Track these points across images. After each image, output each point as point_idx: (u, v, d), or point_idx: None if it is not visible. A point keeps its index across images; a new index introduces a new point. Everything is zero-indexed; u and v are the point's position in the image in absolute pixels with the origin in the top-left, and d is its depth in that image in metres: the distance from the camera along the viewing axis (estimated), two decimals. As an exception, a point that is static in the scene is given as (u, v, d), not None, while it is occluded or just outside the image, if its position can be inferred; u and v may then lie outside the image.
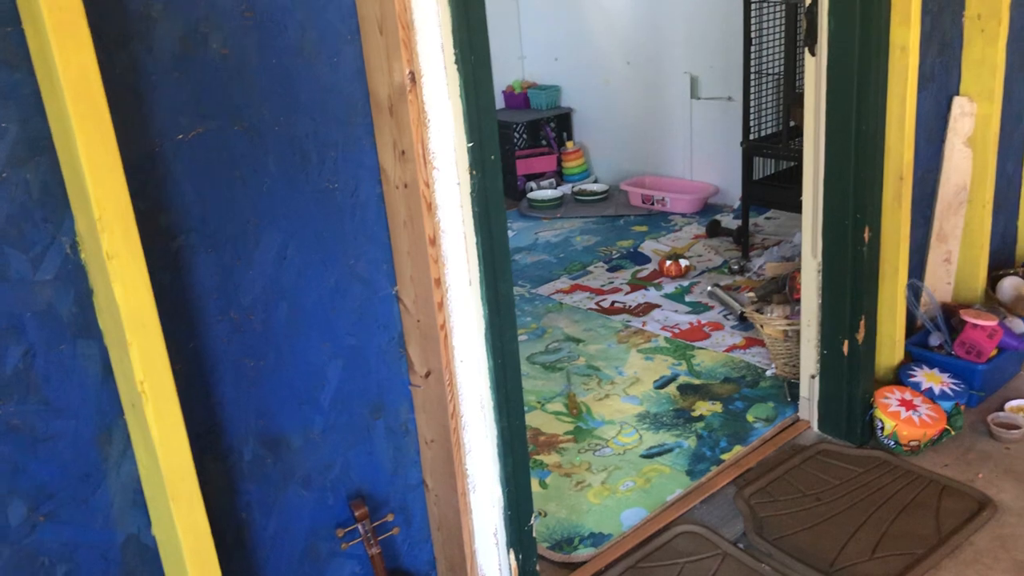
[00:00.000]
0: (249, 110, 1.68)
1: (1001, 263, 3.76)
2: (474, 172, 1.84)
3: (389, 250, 1.95)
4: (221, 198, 1.67)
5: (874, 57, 2.64)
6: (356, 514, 1.96)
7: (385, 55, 1.77)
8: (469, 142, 1.81)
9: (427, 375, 1.97)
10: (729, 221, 5.16)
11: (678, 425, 3.25)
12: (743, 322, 3.92)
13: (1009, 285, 3.50)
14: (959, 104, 3.35)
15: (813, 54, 2.77)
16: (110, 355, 1.55)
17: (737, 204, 5.34)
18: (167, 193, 1.60)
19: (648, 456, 3.09)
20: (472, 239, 1.88)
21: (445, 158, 1.81)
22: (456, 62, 1.77)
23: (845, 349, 2.98)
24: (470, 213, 1.86)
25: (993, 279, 3.60)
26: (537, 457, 3.12)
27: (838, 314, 2.96)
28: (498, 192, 1.89)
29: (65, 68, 1.28)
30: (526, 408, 3.44)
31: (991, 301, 3.54)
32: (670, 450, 3.11)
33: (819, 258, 2.96)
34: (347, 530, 1.97)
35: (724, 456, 3.04)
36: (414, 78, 1.76)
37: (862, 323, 2.93)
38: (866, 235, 2.83)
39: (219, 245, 1.69)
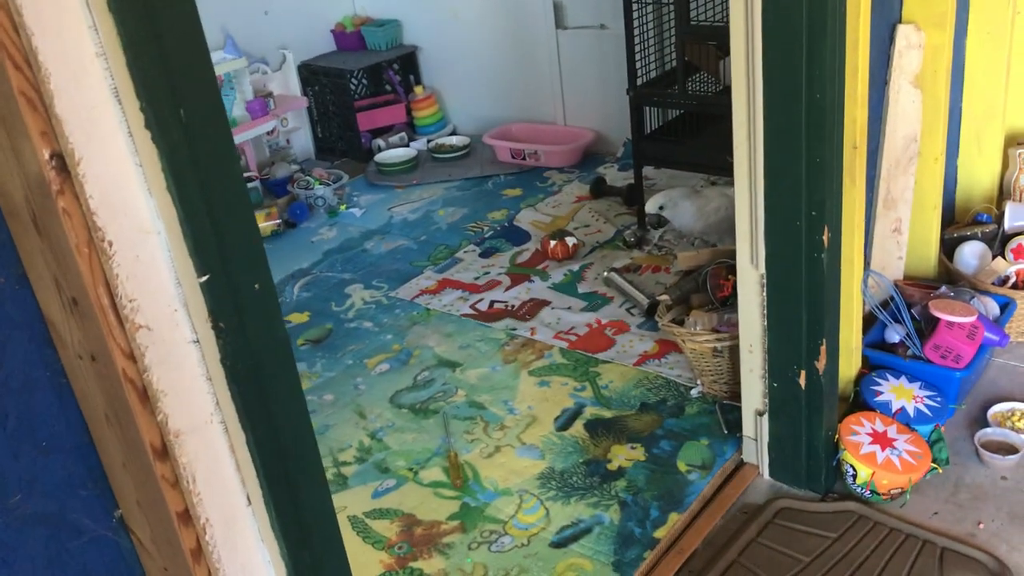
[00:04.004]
0: None
1: (944, 219, 3.12)
2: (221, 323, 0.96)
3: (94, 455, 1.08)
4: None
5: (830, -5, 1.86)
6: None
7: (0, 122, 0.86)
8: (202, 273, 0.94)
9: (196, 654, 1.12)
10: (615, 175, 4.38)
11: (593, 487, 2.50)
12: (651, 317, 3.19)
13: (971, 254, 2.86)
14: (904, 34, 2.62)
15: (741, -5, 1.96)
16: None
17: (620, 151, 4.57)
18: None
19: (560, 543, 2.34)
20: (239, 435, 1.02)
21: (157, 306, 0.93)
22: (149, 123, 0.88)
23: (802, 381, 2.27)
24: (226, 392, 1.00)
25: (946, 244, 2.96)
26: (415, 564, 2.33)
27: (792, 339, 2.24)
28: (277, 342, 1.03)
29: None
30: (395, 479, 2.64)
31: (949, 273, 2.90)
32: (588, 530, 2.37)
33: (762, 269, 2.21)
34: None
35: (658, 533, 2.33)
36: (64, 164, 0.86)
37: (823, 348, 2.23)
38: (825, 238, 2.09)
39: None
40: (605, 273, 3.48)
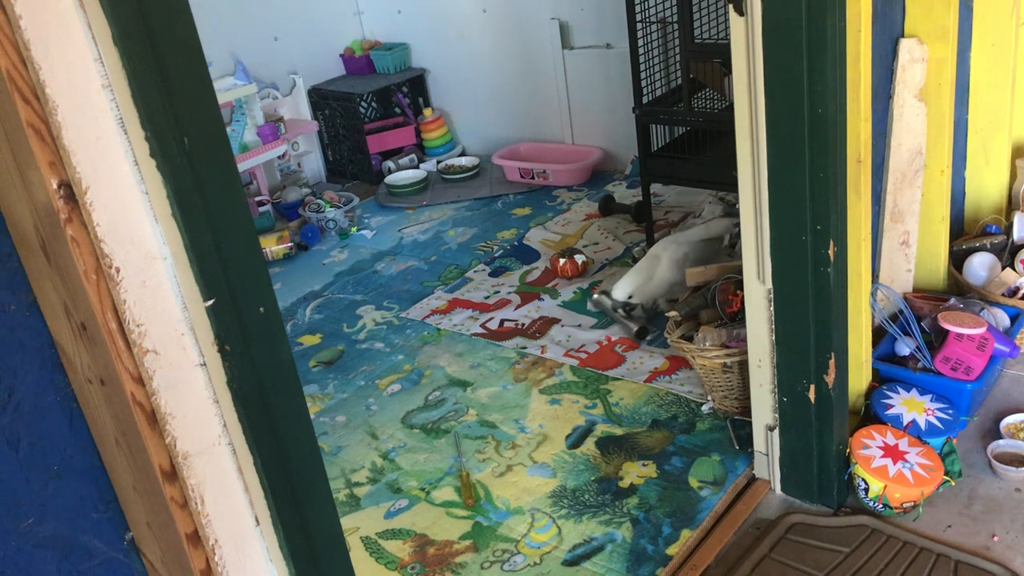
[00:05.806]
0: None
1: (953, 231, 3.12)
2: (227, 347, 0.98)
3: (105, 478, 1.10)
4: None
5: (829, 11, 1.87)
6: None
7: (10, 152, 0.88)
8: (208, 297, 0.96)
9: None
10: (623, 192, 4.40)
11: (605, 505, 2.50)
12: (641, 338, 3.19)
13: (980, 265, 2.86)
14: (907, 48, 2.63)
15: (741, 13, 1.98)
16: None
17: (628, 169, 4.59)
18: None
19: (573, 562, 2.34)
20: (247, 456, 1.04)
21: (164, 331, 0.95)
22: (154, 152, 0.90)
23: (812, 395, 2.27)
24: (233, 414, 1.01)
25: (955, 256, 2.96)
26: (428, 584, 2.34)
27: (800, 353, 2.24)
28: (282, 364, 1.05)
29: None
30: (407, 500, 2.65)
31: (958, 285, 2.90)
32: (600, 548, 2.37)
33: (768, 284, 2.22)
34: None
35: (671, 550, 2.32)
36: (72, 193, 0.88)
37: (832, 362, 2.23)
38: (831, 252, 2.10)
39: None
40: (595, 295, 3.42)
